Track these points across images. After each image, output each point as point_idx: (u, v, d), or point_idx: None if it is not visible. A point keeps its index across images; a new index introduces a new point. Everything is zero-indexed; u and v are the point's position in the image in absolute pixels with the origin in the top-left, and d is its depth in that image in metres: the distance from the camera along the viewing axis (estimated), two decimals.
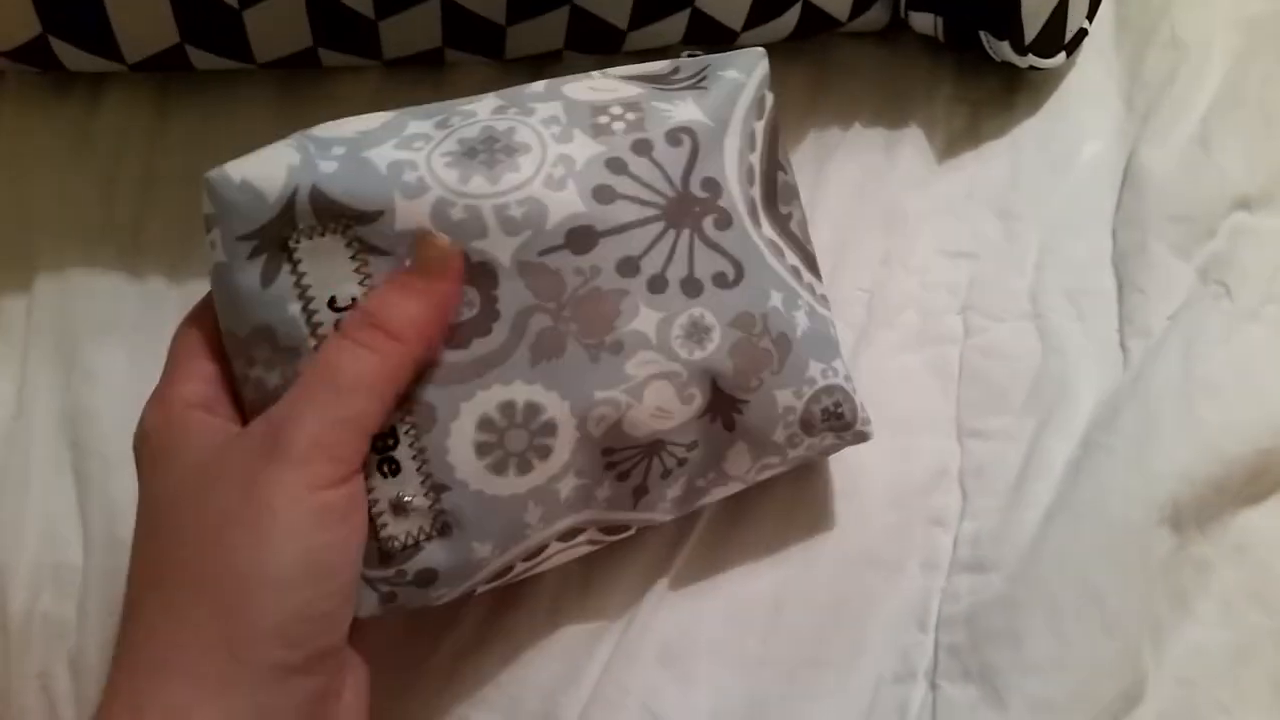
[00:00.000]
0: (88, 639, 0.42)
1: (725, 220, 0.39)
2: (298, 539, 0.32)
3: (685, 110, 0.39)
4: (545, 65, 0.54)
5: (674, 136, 0.39)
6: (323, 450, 0.33)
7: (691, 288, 0.38)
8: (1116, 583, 0.42)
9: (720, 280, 0.39)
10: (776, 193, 0.42)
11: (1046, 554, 0.43)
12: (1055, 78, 0.56)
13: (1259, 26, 0.56)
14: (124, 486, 0.44)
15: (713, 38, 0.53)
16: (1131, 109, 0.55)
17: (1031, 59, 0.53)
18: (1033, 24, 0.52)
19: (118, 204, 0.50)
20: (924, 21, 0.54)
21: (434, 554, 0.37)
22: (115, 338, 0.47)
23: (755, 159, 0.41)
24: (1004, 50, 0.52)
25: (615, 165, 0.38)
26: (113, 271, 0.49)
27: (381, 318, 0.34)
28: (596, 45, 0.52)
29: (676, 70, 0.42)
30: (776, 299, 0.40)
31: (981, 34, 0.52)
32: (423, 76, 0.53)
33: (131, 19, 0.47)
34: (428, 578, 0.37)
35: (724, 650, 0.43)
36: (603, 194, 0.37)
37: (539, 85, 0.40)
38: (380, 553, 0.36)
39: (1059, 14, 0.53)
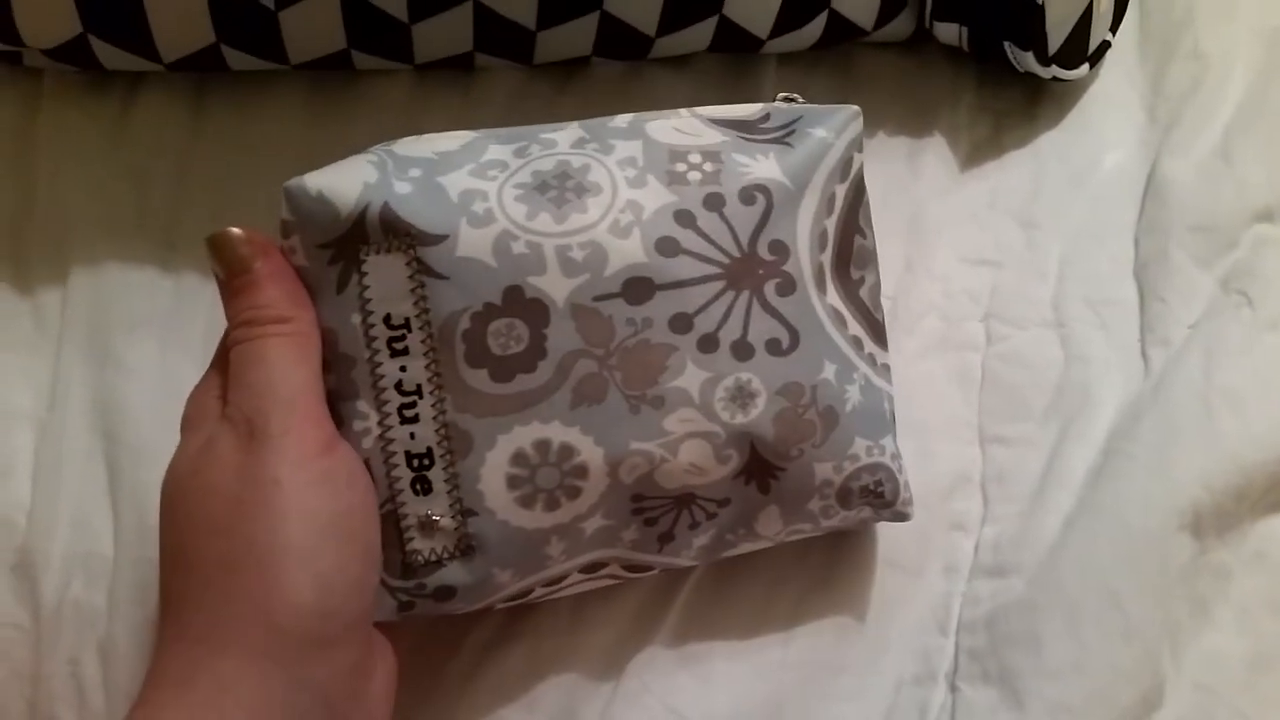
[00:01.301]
0: (117, 627, 0.43)
1: (788, 286, 0.38)
2: (309, 505, 0.33)
3: (764, 167, 0.39)
4: (573, 71, 0.55)
5: (748, 194, 0.38)
6: (298, 416, 0.34)
7: (742, 351, 0.38)
8: (1136, 588, 0.43)
9: (773, 347, 0.38)
10: (850, 257, 0.42)
11: (1067, 559, 0.44)
12: (1078, 89, 0.56)
13: None
14: (155, 477, 0.43)
15: (739, 45, 0.53)
16: (1154, 120, 0.55)
17: (1055, 70, 0.53)
18: (1057, 35, 0.52)
19: (152, 200, 0.51)
20: (948, 32, 0.54)
21: (454, 573, 0.37)
22: (148, 331, 0.48)
23: (831, 223, 0.40)
24: (1028, 61, 0.53)
25: (684, 218, 0.37)
26: (146, 266, 0.49)
27: (252, 316, 0.36)
28: (624, 51, 0.53)
29: (767, 117, 0.41)
30: (830, 371, 0.39)
31: (1006, 45, 0.53)
32: (453, 80, 0.54)
33: (169, 20, 0.48)
34: (446, 594, 0.37)
35: (744, 651, 0.44)
36: (666, 246, 0.37)
37: (623, 119, 0.40)
38: (403, 565, 0.37)
39: (1083, 26, 0.53)
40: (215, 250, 0.36)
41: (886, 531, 0.46)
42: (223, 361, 0.36)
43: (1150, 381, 0.48)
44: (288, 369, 0.35)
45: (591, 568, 0.40)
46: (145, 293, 0.49)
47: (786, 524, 0.41)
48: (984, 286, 0.51)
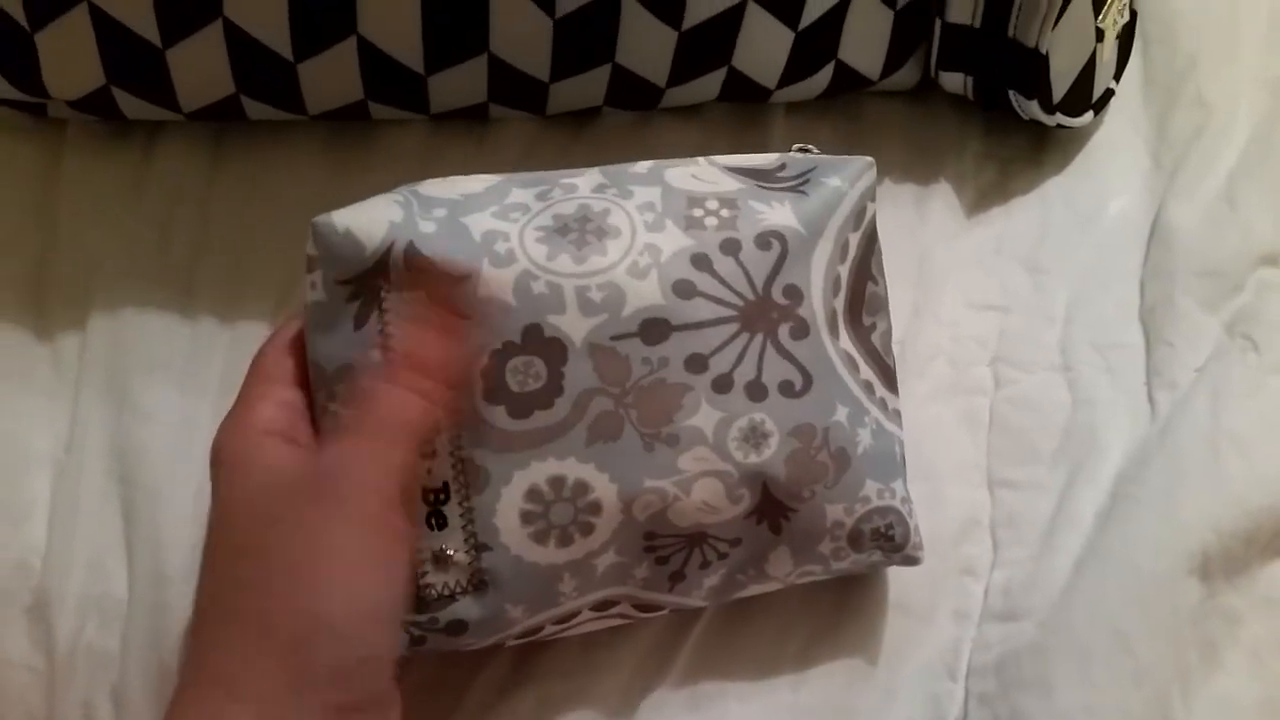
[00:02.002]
0: (131, 671, 0.43)
1: (801, 329, 0.39)
2: (357, 583, 0.33)
3: (780, 214, 0.40)
4: (585, 120, 0.55)
5: (764, 240, 0.39)
6: (375, 496, 0.34)
7: (756, 392, 0.38)
8: (1146, 632, 0.43)
9: (786, 389, 0.39)
10: (863, 304, 0.42)
11: (1076, 603, 0.44)
12: (1083, 136, 0.57)
13: None
14: (171, 521, 0.45)
15: (747, 95, 0.54)
16: (1158, 166, 0.55)
17: (1060, 118, 0.54)
18: (1061, 84, 0.53)
19: (172, 246, 0.51)
20: (954, 81, 0.55)
21: (467, 608, 0.37)
22: (166, 376, 0.48)
23: (844, 270, 0.41)
24: (1032, 109, 0.53)
25: (700, 261, 0.38)
26: (165, 311, 0.50)
27: (423, 359, 0.35)
28: (635, 101, 0.54)
29: (783, 167, 0.42)
30: (842, 414, 0.40)
31: (1010, 93, 0.54)
32: (467, 130, 0.55)
33: (191, 71, 0.49)
34: (458, 628, 0.38)
35: (755, 696, 0.44)
36: (683, 289, 0.38)
37: (643, 166, 0.41)
38: (417, 599, 0.37)
39: (1087, 74, 0.54)
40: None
41: (897, 576, 0.46)
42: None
43: (1157, 425, 0.48)
44: (407, 441, 0.35)
45: (602, 606, 0.40)
46: (163, 338, 0.49)
47: (797, 565, 0.41)
48: (991, 331, 0.52)
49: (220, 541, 0.35)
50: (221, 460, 0.36)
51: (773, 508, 0.39)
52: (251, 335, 0.49)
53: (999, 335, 0.51)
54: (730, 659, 0.44)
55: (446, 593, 0.37)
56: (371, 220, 0.37)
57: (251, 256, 0.51)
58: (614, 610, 0.40)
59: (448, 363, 0.36)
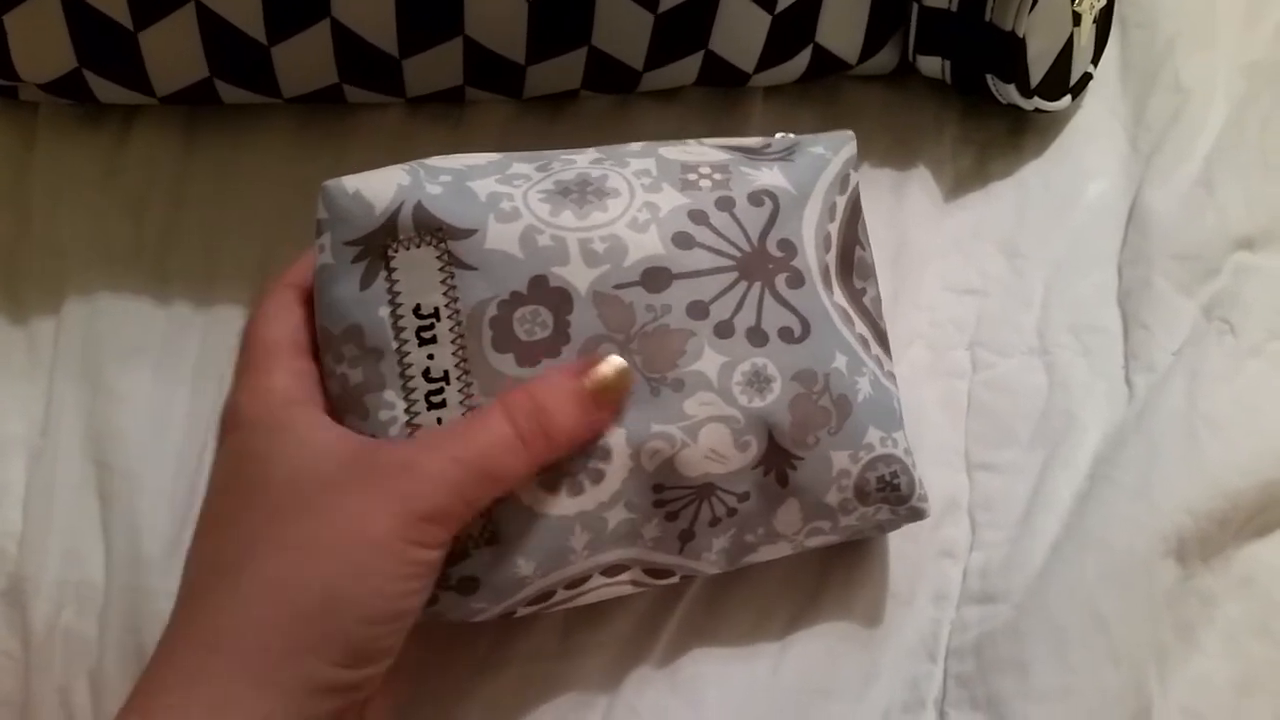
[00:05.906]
0: (108, 655, 0.43)
1: (797, 280, 0.40)
2: (391, 582, 0.33)
3: (770, 176, 0.41)
4: (563, 104, 0.55)
5: (756, 198, 0.40)
6: (426, 507, 0.34)
7: (757, 338, 0.39)
8: (1122, 613, 0.43)
9: (786, 335, 0.39)
10: (853, 265, 0.43)
11: (1053, 584, 0.44)
12: (1061, 120, 0.57)
13: (1260, 72, 0.57)
14: (147, 505, 0.45)
15: (725, 79, 0.54)
16: (1136, 150, 0.56)
17: (1037, 102, 0.54)
18: (1038, 68, 0.53)
19: (145, 230, 0.51)
20: (931, 65, 0.55)
21: (479, 562, 0.38)
22: (141, 360, 0.48)
23: (834, 228, 0.42)
24: (1010, 93, 0.54)
25: (697, 216, 0.39)
26: (139, 295, 0.50)
27: (552, 424, 0.36)
28: (613, 85, 0.54)
29: (768, 145, 0.44)
30: (841, 362, 0.41)
31: (988, 77, 0.54)
32: (443, 113, 0.55)
33: (163, 55, 0.49)
34: (470, 586, 0.38)
35: (735, 678, 0.44)
36: (682, 240, 0.39)
37: (636, 145, 0.42)
38: None
39: (1064, 59, 0.54)
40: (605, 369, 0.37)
41: (878, 558, 0.46)
42: None
43: (1134, 408, 0.48)
44: (502, 485, 0.36)
45: (613, 570, 0.40)
46: (138, 322, 0.49)
47: (806, 520, 0.41)
48: (969, 315, 0.52)
49: (234, 501, 0.35)
50: (240, 422, 0.36)
51: (779, 456, 0.40)
52: (227, 318, 0.49)
53: (977, 319, 0.52)
54: (711, 640, 0.44)
55: (458, 547, 0.37)
56: (381, 183, 0.37)
57: (226, 240, 0.51)
58: (624, 575, 0.40)
59: (571, 440, 0.37)
